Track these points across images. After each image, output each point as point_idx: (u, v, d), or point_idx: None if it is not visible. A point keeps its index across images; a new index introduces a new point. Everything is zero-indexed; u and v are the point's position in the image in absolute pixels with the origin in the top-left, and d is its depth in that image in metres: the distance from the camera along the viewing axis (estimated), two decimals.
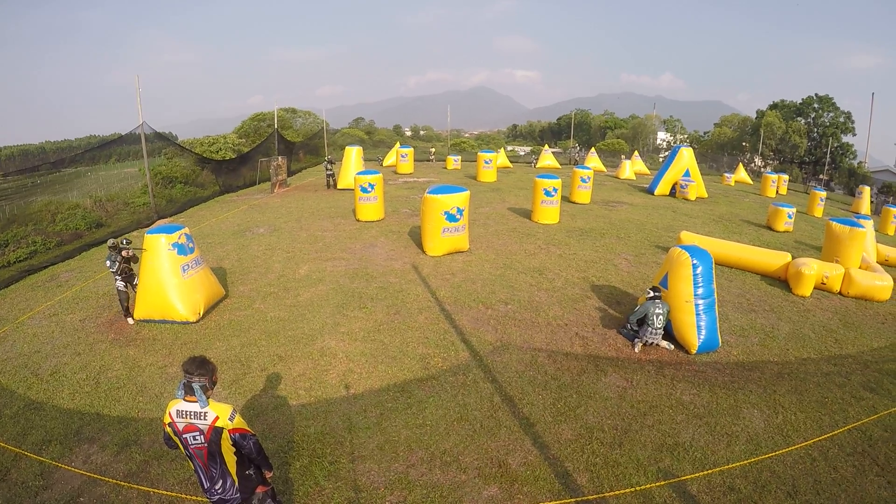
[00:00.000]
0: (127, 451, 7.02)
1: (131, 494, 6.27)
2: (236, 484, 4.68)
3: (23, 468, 6.72)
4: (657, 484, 6.52)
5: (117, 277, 10.71)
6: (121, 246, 10.82)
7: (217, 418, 4.44)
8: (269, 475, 5.00)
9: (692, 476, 6.66)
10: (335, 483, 6.44)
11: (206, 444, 4.48)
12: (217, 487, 4.64)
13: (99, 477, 6.52)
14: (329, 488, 6.36)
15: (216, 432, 4.46)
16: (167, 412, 4.50)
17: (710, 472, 6.75)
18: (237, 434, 4.54)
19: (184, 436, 4.48)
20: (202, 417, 4.43)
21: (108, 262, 10.66)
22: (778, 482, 6.60)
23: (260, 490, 4.93)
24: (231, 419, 4.51)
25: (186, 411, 4.44)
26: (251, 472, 4.81)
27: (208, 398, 4.49)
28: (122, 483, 6.44)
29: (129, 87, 19.85)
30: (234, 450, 4.62)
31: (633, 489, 6.43)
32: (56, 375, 8.92)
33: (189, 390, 4.43)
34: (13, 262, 15.30)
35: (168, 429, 4.53)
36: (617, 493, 6.37)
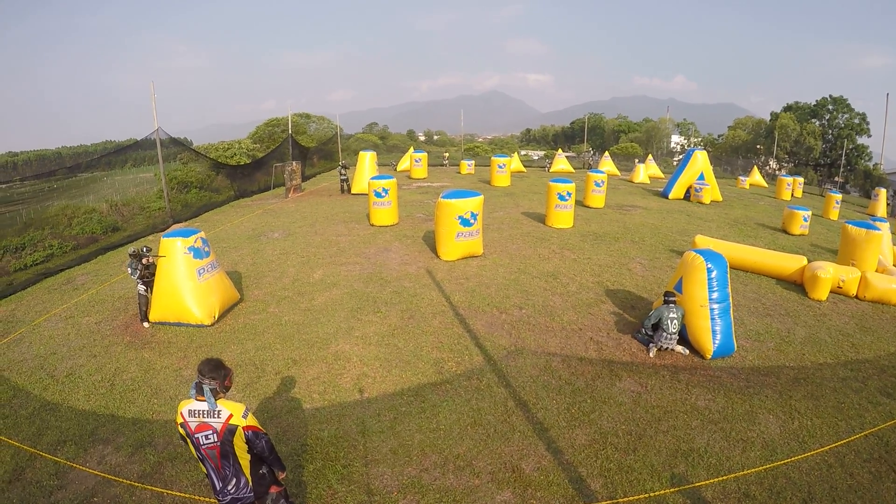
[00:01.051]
0: (141, 452, 7.07)
1: (145, 495, 6.31)
2: (250, 483, 4.69)
3: (38, 468, 6.79)
4: (671, 490, 6.47)
5: (139, 282, 10.83)
6: (141, 254, 10.94)
7: (231, 416, 4.46)
8: (281, 476, 5.00)
9: (707, 482, 6.61)
10: (348, 486, 6.45)
11: (218, 444, 4.48)
12: (230, 488, 4.63)
13: (113, 478, 6.57)
14: (342, 492, 6.37)
15: (230, 430, 4.46)
16: (179, 412, 4.52)
17: (724, 478, 6.69)
18: (250, 432, 4.55)
19: (196, 436, 4.48)
20: (216, 415, 4.44)
21: (129, 270, 10.81)
22: (794, 489, 6.52)
23: (273, 490, 4.93)
24: (244, 417, 4.53)
25: (198, 410, 4.46)
26: (264, 472, 4.84)
27: (218, 400, 4.49)
28: (136, 484, 6.48)
29: (144, 92, 20.07)
30: (246, 448, 4.61)
31: (647, 495, 6.39)
32: (71, 377, 9.01)
33: (200, 391, 4.44)
34: (30, 265, 15.50)
35: (181, 429, 4.54)
36: (631, 498, 6.33)
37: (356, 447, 7.18)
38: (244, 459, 4.64)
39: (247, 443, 4.59)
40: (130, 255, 10.91)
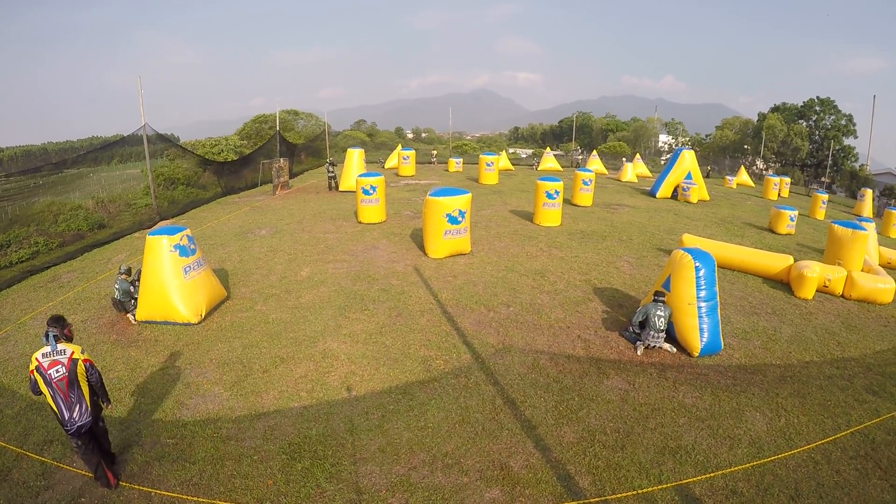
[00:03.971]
0: (128, 451, 7.02)
1: (132, 495, 6.27)
2: (89, 409, 6.07)
3: (24, 468, 6.72)
4: (659, 487, 6.50)
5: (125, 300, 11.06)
6: (131, 280, 11.22)
7: (73, 353, 6.01)
8: (108, 407, 6.53)
9: (694, 479, 6.65)
10: (336, 485, 6.44)
11: (66, 374, 5.90)
12: (75, 415, 5.95)
13: None
14: (330, 490, 6.35)
15: (73, 363, 5.96)
16: (32, 360, 5.88)
17: (712, 475, 6.74)
18: (87, 363, 6.10)
19: (48, 372, 5.85)
20: (62, 353, 5.95)
21: (116, 285, 11.01)
22: (780, 485, 6.58)
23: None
24: (83, 353, 6.12)
25: (48, 352, 5.90)
26: (97, 400, 6.27)
27: (59, 343, 5.98)
28: (124, 483, 6.44)
29: (131, 88, 19.82)
30: (87, 379, 6.07)
31: (635, 492, 6.42)
32: None
33: (48, 338, 5.92)
34: (15, 263, 15.31)
35: (35, 374, 5.85)
36: (619, 496, 6.36)
37: (344, 446, 7.16)
38: (85, 387, 6.06)
39: (86, 372, 6.05)
40: (123, 272, 11.14)
